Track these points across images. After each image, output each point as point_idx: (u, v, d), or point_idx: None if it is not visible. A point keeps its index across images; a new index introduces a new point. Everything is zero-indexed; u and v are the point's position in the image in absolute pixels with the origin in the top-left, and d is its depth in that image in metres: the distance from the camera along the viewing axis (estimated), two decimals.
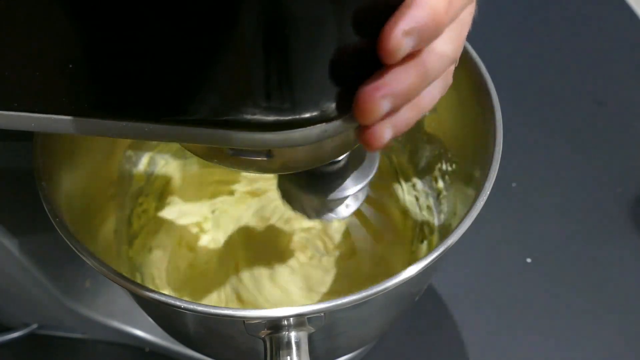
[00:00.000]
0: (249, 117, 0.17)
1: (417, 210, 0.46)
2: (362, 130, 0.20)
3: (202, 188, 0.48)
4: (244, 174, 0.48)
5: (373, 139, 0.19)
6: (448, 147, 0.41)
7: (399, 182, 0.48)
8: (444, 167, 0.42)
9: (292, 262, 0.44)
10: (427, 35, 0.18)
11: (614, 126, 0.63)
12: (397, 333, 0.49)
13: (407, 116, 0.20)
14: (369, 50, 0.18)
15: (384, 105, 0.18)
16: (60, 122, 0.19)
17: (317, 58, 0.17)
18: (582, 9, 0.76)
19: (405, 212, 0.46)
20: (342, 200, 0.32)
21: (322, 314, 0.25)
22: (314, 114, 0.18)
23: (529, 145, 0.61)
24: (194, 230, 0.47)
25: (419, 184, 0.46)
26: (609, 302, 0.50)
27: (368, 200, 0.42)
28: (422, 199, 0.45)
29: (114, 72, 0.17)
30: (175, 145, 0.47)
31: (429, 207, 0.44)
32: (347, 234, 0.46)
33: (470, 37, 0.37)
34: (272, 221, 0.46)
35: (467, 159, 0.38)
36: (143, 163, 0.45)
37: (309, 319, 0.26)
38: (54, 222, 0.29)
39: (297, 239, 0.45)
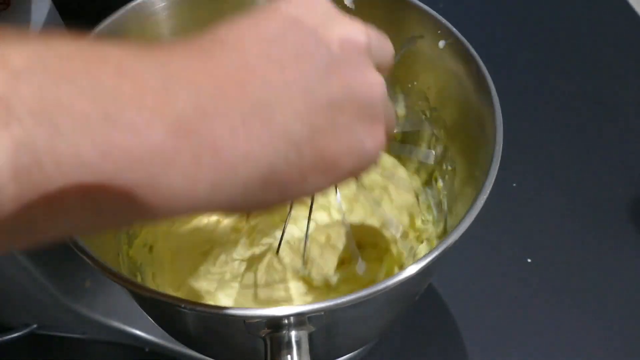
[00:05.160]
0: None
1: (417, 210, 0.46)
2: None
3: None
4: None
5: None
6: (448, 146, 0.41)
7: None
8: (444, 166, 0.42)
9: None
10: None
11: (614, 126, 0.63)
12: (397, 332, 0.49)
13: None
14: None
15: None
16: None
17: None
18: (582, 9, 0.76)
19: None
20: None
21: (323, 313, 0.25)
22: None
23: (529, 145, 0.61)
24: (195, 228, 0.47)
25: (418, 183, 0.46)
26: (609, 302, 0.50)
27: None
28: (422, 199, 0.45)
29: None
30: None
31: (428, 207, 0.44)
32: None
33: (471, 37, 0.37)
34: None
35: (467, 159, 0.38)
36: None
37: (309, 318, 0.26)
38: None
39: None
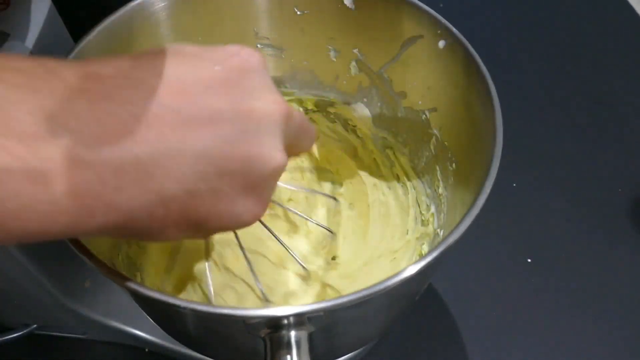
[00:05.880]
0: None
1: (417, 209, 0.46)
2: None
3: None
4: None
5: None
6: (448, 146, 0.41)
7: (399, 182, 0.48)
8: (443, 166, 0.42)
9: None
10: None
11: (615, 126, 0.63)
12: (397, 332, 0.49)
13: None
14: None
15: None
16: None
17: None
18: (582, 9, 0.76)
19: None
20: None
21: (322, 313, 0.25)
22: None
23: (529, 145, 0.61)
24: None
25: (419, 184, 0.46)
26: (609, 302, 0.50)
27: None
28: (422, 199, 0.45)
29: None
30: None
31: (428, 207, 0.44)
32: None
33: (471, 37, 0.37)
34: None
35: (467, 159, 0.38)
36: None
37: (309, 318, 0.26)
38: None
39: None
